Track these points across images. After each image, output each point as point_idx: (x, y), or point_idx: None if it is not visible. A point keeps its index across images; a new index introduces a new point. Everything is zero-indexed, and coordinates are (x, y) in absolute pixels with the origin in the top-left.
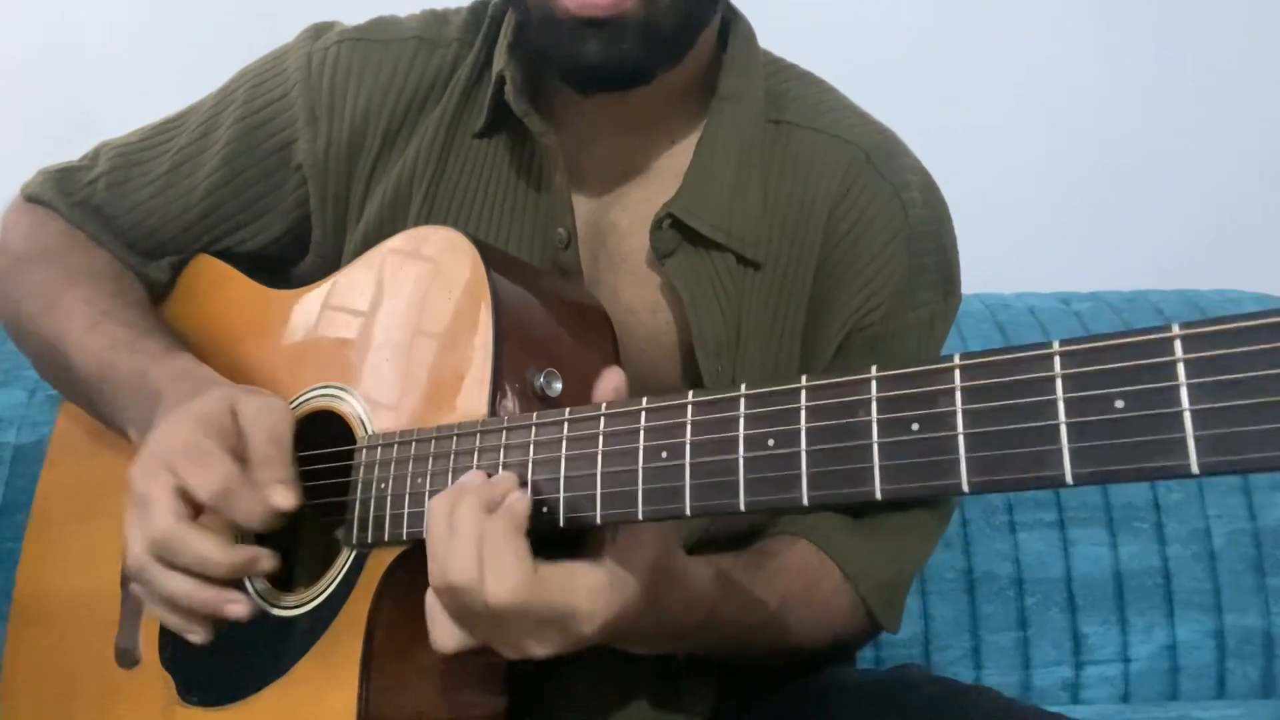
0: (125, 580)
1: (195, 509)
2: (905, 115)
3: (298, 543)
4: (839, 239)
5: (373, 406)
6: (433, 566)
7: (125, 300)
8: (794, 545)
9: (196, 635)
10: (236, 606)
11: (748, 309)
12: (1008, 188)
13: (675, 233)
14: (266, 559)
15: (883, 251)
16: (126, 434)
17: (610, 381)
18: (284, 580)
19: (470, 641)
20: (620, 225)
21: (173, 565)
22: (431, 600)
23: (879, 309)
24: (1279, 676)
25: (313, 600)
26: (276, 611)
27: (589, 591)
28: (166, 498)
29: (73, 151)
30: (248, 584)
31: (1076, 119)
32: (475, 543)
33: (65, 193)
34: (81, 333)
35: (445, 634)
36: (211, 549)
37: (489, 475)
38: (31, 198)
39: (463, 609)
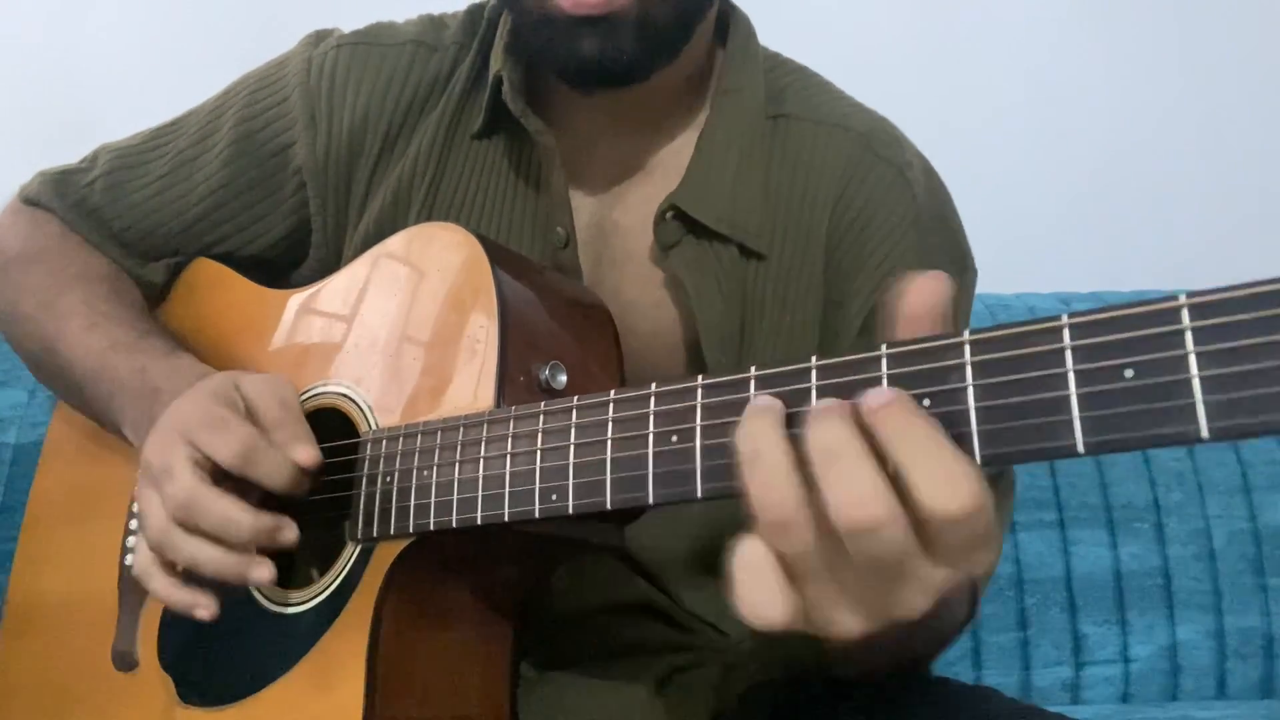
0: (122, 582)
1: (216, 478)
2: (905, 115)
3: (300, 539)
4: (847, 225)
5: (376, 402)
6: (784, 509)
7: (123, 302)
8: None
9: (204, 610)
10: (262, 570)
11: (751, 301)
12: (1007, 188)
13: (679, 224)
14: (290, 529)
15: (893, 232)
16: (123, 434)
17: None
18: (286, 577)
19: (797, 608)
20: (622, 224)
21: (196, 530)
22: (754, 558)
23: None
24: (1279, 676)
25: (316, 596)
26: (279, 608)
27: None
28: (188, 465)
29: (72, 154)
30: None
31: (1076, 119)
32: (868, 459)
33: (62, 194)
34: (80, 333)
35: (769, 595)
36: (237, 511)
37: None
38: (29, 200)
39: (862, 559)
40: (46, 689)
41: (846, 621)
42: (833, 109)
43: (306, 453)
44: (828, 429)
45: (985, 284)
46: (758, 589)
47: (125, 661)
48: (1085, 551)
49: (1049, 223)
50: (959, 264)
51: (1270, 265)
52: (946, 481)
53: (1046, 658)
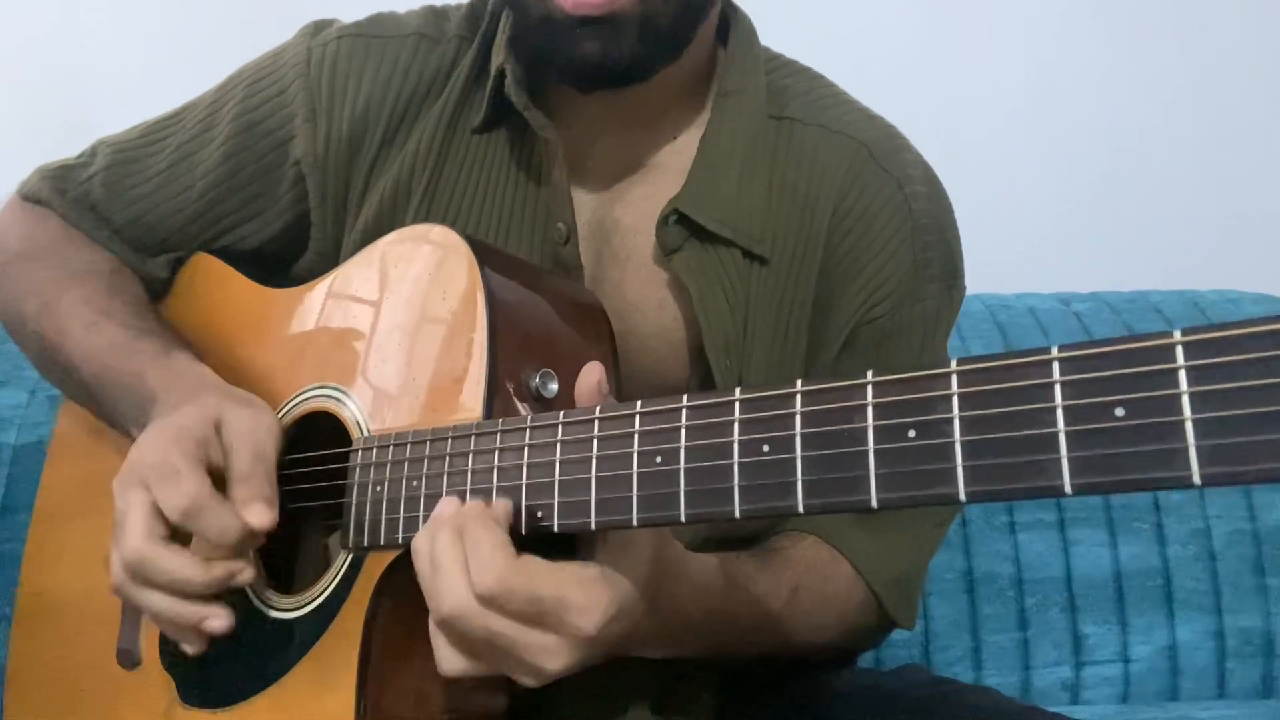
0: None
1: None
2: (906, 115)
3: (297, 544)
4: (844, 234)
5: (369, 407)
6: (430, 604)
7: (123, 299)
8: (801, 540)
9: (190, 646)
10: (216, 621)
11: (754, 304)
12: (1008, 188)
13: (682, 228)
14: (246, 571)
15: (887, 245)
16: (129, 434)
17: (591, 377)
18: (283, 582)
19: (480, 667)
20: (624, 222)
21: (149, 584)
22: (433, 627)
23: (884, 302)
24: (1279, 676)
25: (311, 602)
26: (275, 614)
27: (580, 581)
28: (139, 516)
29: (73, 151)
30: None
31: (1077, 119)
32: (461, 568)
33: (62, 190)
34: (81, 333)
35: (449, 659)
36: (184, 568)
37: (462, 501)
38: (28, 196)
39: (464, 637)
40: (56, 684)
41: (523, 678)
42: (837, 115)
43: (259, 516)
44: (435, 541)
45: (985, 284)
46: (438, 653)
47: (129, 659)
48: (1085, 551)
49: (1049, 223)
50: (949, 280)
51: (1271, 265)
52: (485, 568)
53: (1046, 658)
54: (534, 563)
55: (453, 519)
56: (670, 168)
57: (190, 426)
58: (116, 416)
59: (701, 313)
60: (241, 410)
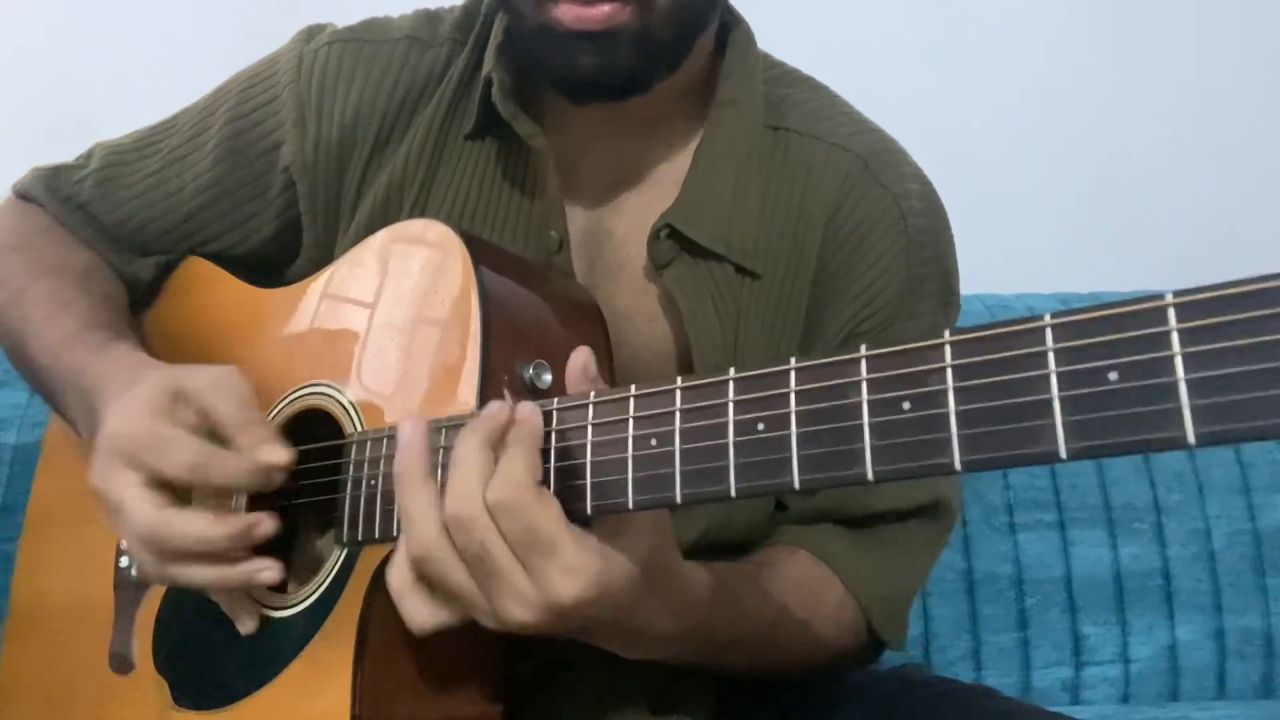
0: (117, 583)
1: (172, 495)
2: (905, 116)
3: (289, 543)
4: (837, 247)
5: (362, 403)
6: (409, 532)
7: (87, 293)
8: (793, 555)
9: (245, 625)
10: (267, 573)
11: (745, 319)
12: (1007, 188)
13: (673, 243)
14: (266, 522)
15: (881, 260)
16: (77, 429)
17: (578, 360)
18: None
19: (448, 615)
20: (617, 232)
21: (173, 555)
22: (398, 579)
23: (876, 316)
24: (1279, 676)
25: (305, 600)
26: (269, 612)
27: (578, 541)
28: (138, 493)
29: (75, 152)
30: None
31: (1077, 119)
32: (479, 473)
33: (53, 190)
34: (40, 326)
35: (419, 613)
36: (202, 526)
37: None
38: (21, 193)
39: (441, 574)
40: (48, 691)
41: (485, 619)
42: (836, 127)
43: (277, 453)
44: (460, 441)
45: (985, 284)
46: (406, 608)
47: (121, 664)
48: (1085, 552)
49: (1049, 223)
50: (944, 297)
51: (1271, 265)
52: (508, 478)
53: (1046, 658)
54: (551, 500)
55: (486, 429)
56: (665, 178)
57: (153, 398)
58: (66, 412)
59: (691, 328)
60: (197, 372)
